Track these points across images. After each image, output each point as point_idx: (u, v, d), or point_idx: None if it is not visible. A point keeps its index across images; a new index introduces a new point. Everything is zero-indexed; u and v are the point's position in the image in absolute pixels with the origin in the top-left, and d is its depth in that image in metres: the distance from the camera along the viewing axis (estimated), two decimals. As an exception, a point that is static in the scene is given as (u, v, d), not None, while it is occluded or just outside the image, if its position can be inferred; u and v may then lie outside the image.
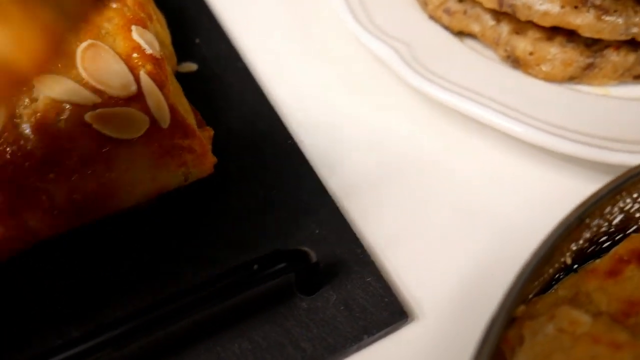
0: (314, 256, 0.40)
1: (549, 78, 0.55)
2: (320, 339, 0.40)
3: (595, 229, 0.36)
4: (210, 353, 0.39)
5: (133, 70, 0.44)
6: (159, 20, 0.53)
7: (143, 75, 0.44)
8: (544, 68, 0.55)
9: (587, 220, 0.34)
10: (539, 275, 0.33)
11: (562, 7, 0.51)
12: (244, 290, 0.37)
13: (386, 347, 0.41)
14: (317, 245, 0.44)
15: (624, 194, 0.36)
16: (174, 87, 0.48)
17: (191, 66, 0.57)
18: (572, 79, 0.55)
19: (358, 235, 0.46)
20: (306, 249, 0.39)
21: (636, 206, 0.37)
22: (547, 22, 0.52)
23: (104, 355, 0.34)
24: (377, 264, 0.44)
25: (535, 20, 0.52)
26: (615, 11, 0.50)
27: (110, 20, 0.46)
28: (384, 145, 0.54)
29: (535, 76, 0.55)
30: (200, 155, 0.45)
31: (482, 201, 0.49)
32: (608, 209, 0.35)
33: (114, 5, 0.50)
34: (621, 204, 0.37)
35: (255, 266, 0.37)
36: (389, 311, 0.41)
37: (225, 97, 0.55)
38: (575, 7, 0.51)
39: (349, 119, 0.55)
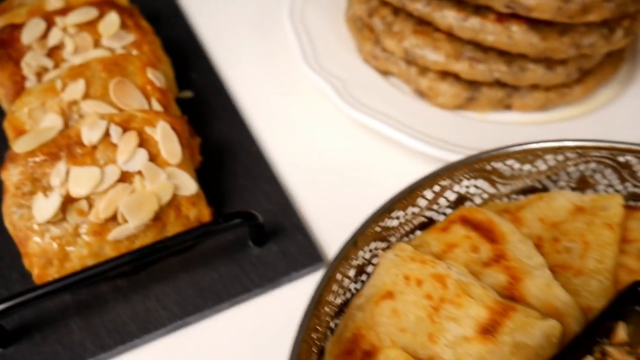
0: (260, 218, 0.61)
1: (444, 107, 0.77)
2: (263, 274, 0.61)
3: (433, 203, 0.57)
4: (192, 280, 0.61)
5: (147, 97, 0.66)
6: (166, 62, 0.76)
7: (154, 100, 0.66)
8: (440, 99, 0.76)
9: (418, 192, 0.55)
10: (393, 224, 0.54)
11: (447, 57, 0.73)
12: (214, 235, 0.59)
13: (308, 281, 0.62)
14: (269, 215, 0.66)
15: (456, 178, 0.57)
16: (174, 109, 0.70)
17: (188, 93, 0.79)
18: (460, 107, 0.77)
19: (297, 211, 0.67)
20: (256, 212, 0.61)
21: (464, 189, 0.59)
22: (437, 68, 0.74)
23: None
24: (307, 230, 0.66)
25: (429, 66, 0.74)
26: (482, 61, 0.72)
27: (133, 64, 0.68)
28: (324, 153, 0.75)
29: (435, 105, 0.77)
30: (191, 156, 0.67)
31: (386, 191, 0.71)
32: (434, 190, 0.56)
33: (135, 52, 0.72)
34: (456, 188, 0.58)
35: (221, 220, 0.59)
36: (310, 258, 0.63)
37: (211, 115, 0.77)
38: (455, 58, 0.73)
39: (301, 132, 0.77)
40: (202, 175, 0.68)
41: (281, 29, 0.87)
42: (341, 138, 0.77)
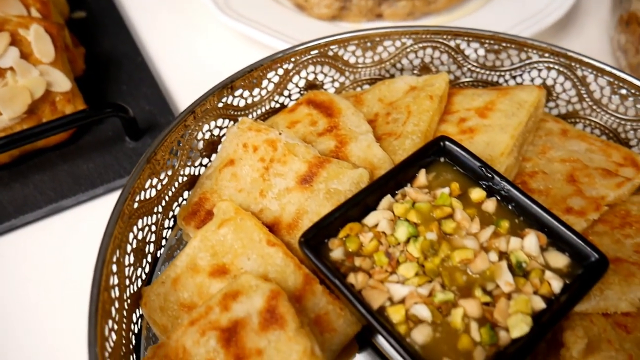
0: (131, 112, 0.66)
1: (321, 17, 0.82)
2: (136, 162, 0.67)
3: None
4: (70, 170, 0.66)
5: (27, 7, 0.71)
6: (56, -20, 0.80)
7: (34, 10, 0.71)
8: (315, 10, 0.82)
9: (261, 72, 0.61)
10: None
11: (314, -33, 0.78)
12: (84, 121, 0.64)
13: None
14: (147, 115, 0.71)
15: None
16: (56, 18, 0.74)
17: (81, 14, 0.84)
18: (335, 18, 0.82)
19: (174, 110, 0.73)
20: (127, 106, 0.66)
21: (312, 76, 0.64)
22: (307, -21, 0.79)
23: None
24: (181, 125, 0.71)
25: (300, -23, 0.79)
26: (347, -31, 0.77)
27: (14, -22, 0.72)
28: (206, 61, 0.80)
29: (312, 16, 0.82)
30: (72, 62, 0.72)
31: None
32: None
33: (22, -30, 0.76)
34: (304, 74, 0.64)
35: (87, 109, 0.64)
36: (182, 148, 0.68)
37: (102, 32, 0.82)
38: (323, -32, 0.78)
39: (186, 44, 0.82)
40: (87, 83, 0.73)
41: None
42: (222, 47, 0.82)
